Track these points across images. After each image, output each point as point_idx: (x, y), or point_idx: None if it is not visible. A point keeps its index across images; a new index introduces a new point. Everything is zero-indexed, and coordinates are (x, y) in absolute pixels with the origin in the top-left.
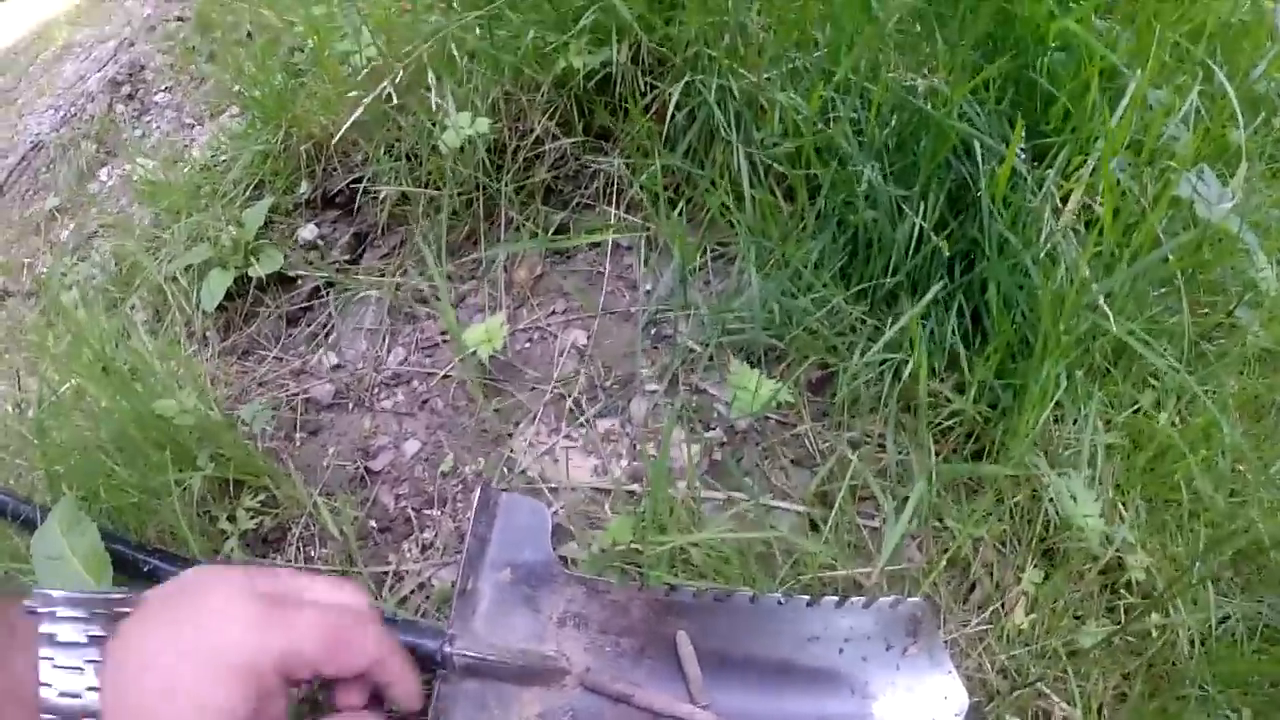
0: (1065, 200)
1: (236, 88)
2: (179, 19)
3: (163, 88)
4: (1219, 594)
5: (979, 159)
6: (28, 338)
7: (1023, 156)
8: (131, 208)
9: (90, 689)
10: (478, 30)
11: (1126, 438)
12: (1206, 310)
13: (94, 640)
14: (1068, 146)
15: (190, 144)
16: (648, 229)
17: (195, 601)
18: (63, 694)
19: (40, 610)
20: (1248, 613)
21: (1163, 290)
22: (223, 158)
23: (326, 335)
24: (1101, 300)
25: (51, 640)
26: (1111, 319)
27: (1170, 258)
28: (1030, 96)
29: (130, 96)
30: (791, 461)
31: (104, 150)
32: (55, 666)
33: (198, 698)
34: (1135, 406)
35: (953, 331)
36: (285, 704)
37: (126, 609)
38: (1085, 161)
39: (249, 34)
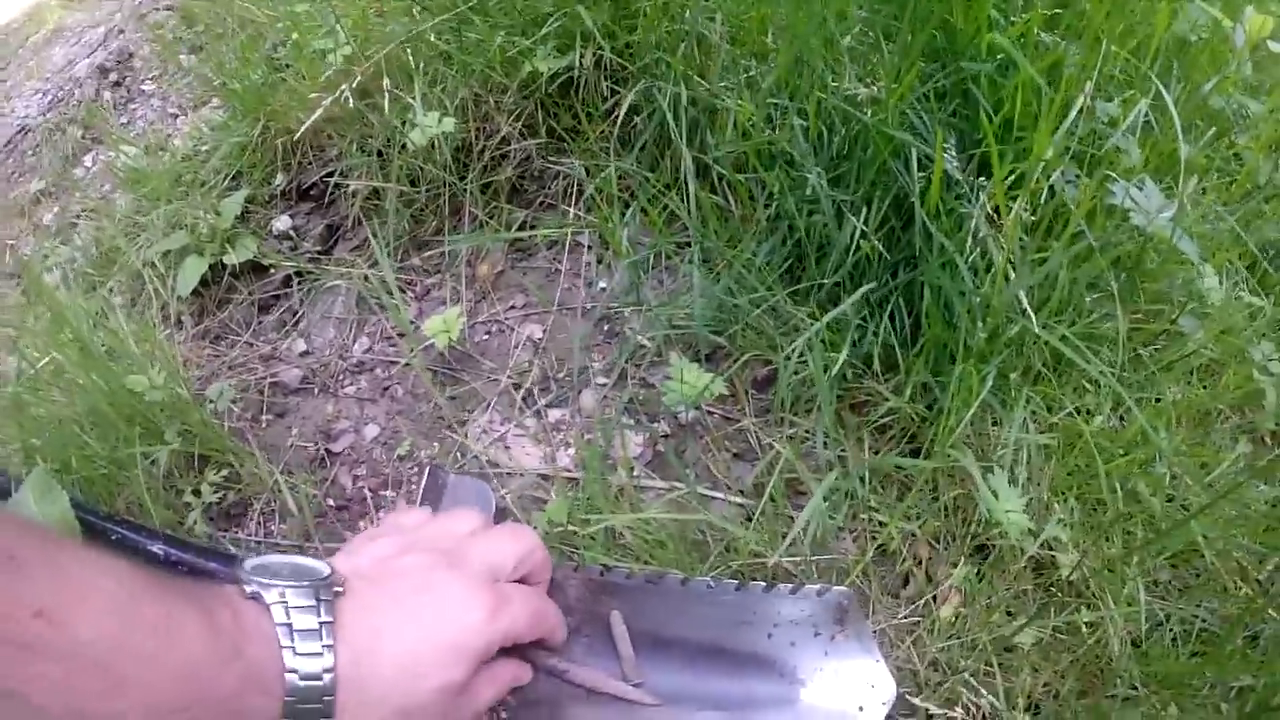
0: (1001, 211)
1: (218, 81)
2: (168, 8)
3: (149, 76)
4: (1157, 596)
5: (915, 167)
6: (7, 317)
7: (955, 163)
8: (114, 194)
9: (327, 670)
10: (446, 35)
11: (1061, 440)
12: (1150, 320)
13: (325, 625)
14: (1006, 157)
15: (173, 133)
16: (606, 225)
17: (434, 588)
18: (304, 677)
19: (269, 599)
20: (1185, 616)
21: (1099, 296)
22: (203, 148)
23: (296, 323)
24: (1023, 298)
25: (290, 629)
26: (1034, 319)
27: (1101, 260)
28: (975, 108)
29: (118, 84)
30: (733, 455)
31: (90, 136)
32: (297, 654)
33: (439, 678)
34: (1071, 409)
35: (891, 332)
36: None
37: (338, 588)
38: (1027, 171)
39: (233, 29)
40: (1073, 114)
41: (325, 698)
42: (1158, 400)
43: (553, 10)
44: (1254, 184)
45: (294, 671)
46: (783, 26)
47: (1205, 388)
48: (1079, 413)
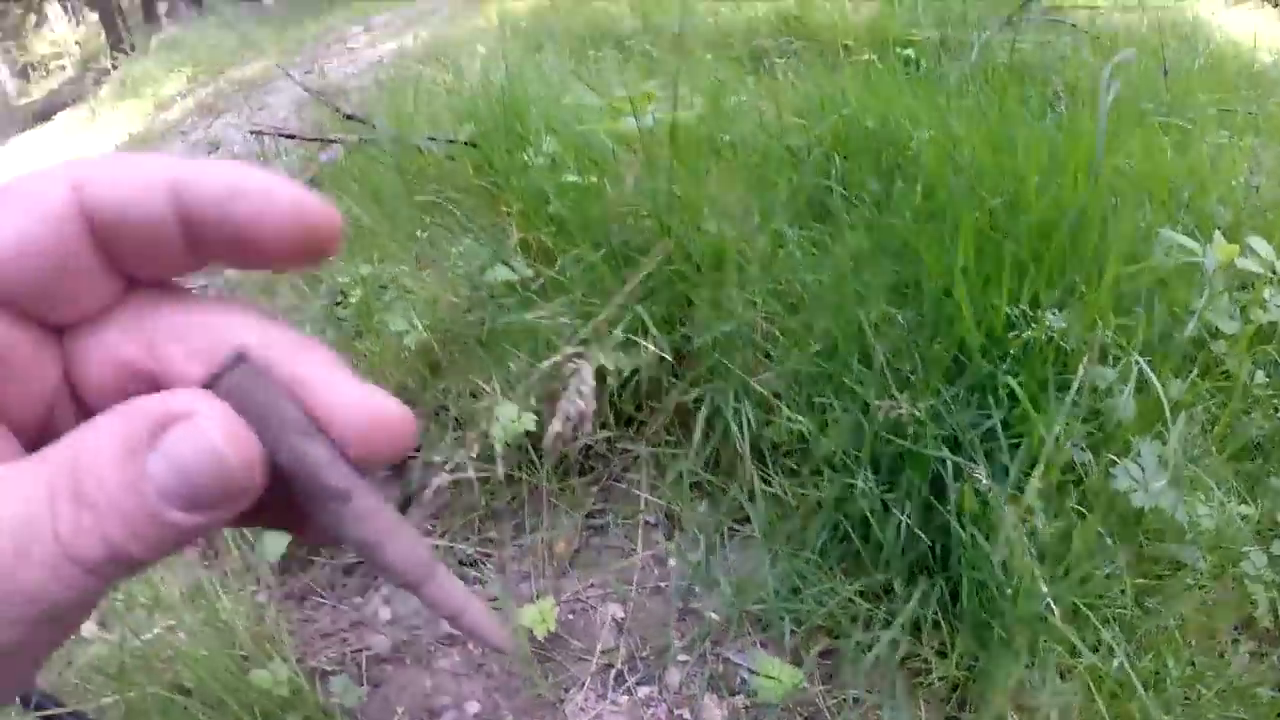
0: (1022, 490)
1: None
2: None
3: (192, 288)
4: None
5: (950, 477)
6: None
7: (983, 479)
8: None
9: None
10: (515, 331)
11: (1085, 684)
12: (1154, 558)
13: None
14: (1025, 440)
15: None
16: (673, 507)
17: None
18: None
19: None
20: None
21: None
22: None
23: (378, 588)
24: (1044, 590)
25: None
26: (1056, 613)
27: (1112, 543)
28: (995, 399)
29: None
30: (804, 718)
31: None
32: None
33: None
34: (1093, 651)
35: (935, 605)
36: None
37: None
38: (1043, 444)
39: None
40: (1073, 389)
41: None
42: (1163, 627)
43: (618, 310)
44: (1238, 387)
45: None
46: (826, 337)
47: (1205, 601)
48: (1096, 649)
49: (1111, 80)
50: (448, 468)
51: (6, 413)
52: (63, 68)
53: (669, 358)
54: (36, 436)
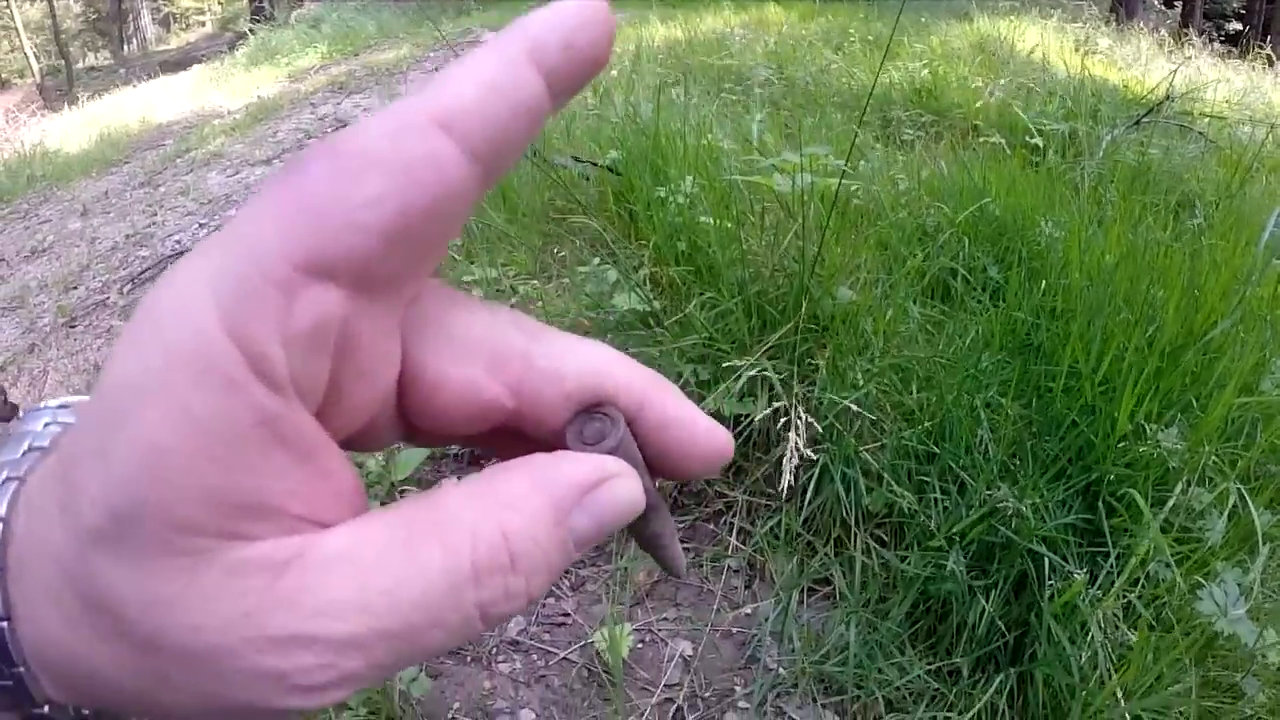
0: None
1: None
2: None
3: None
4: None
5: (1034, 573)
6: None
7: (1080, 573)
8: None
9: None
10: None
11: None
12: (1215, 682)
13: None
14: (1124, 549)
15: None
16: (757, 557)
17: None
18: None
19: None
20: None
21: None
22: None
23: None
24: (1121, 701)
25: None
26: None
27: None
28: (1103, 505)
29: None
30: None
31: None
32: None
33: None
34: None
35: (1004, 699)
36: None
37: None
38: (1132, 559)
39: None
40: (1170, 503)
41: None
42: None
43: (746, 366)
44: None
45: None
46: (936, 415)
47: None
48: None
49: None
50: None
51: (340, 415)
52: (202, 24)
53: (786, 414)
54: (349, 439)
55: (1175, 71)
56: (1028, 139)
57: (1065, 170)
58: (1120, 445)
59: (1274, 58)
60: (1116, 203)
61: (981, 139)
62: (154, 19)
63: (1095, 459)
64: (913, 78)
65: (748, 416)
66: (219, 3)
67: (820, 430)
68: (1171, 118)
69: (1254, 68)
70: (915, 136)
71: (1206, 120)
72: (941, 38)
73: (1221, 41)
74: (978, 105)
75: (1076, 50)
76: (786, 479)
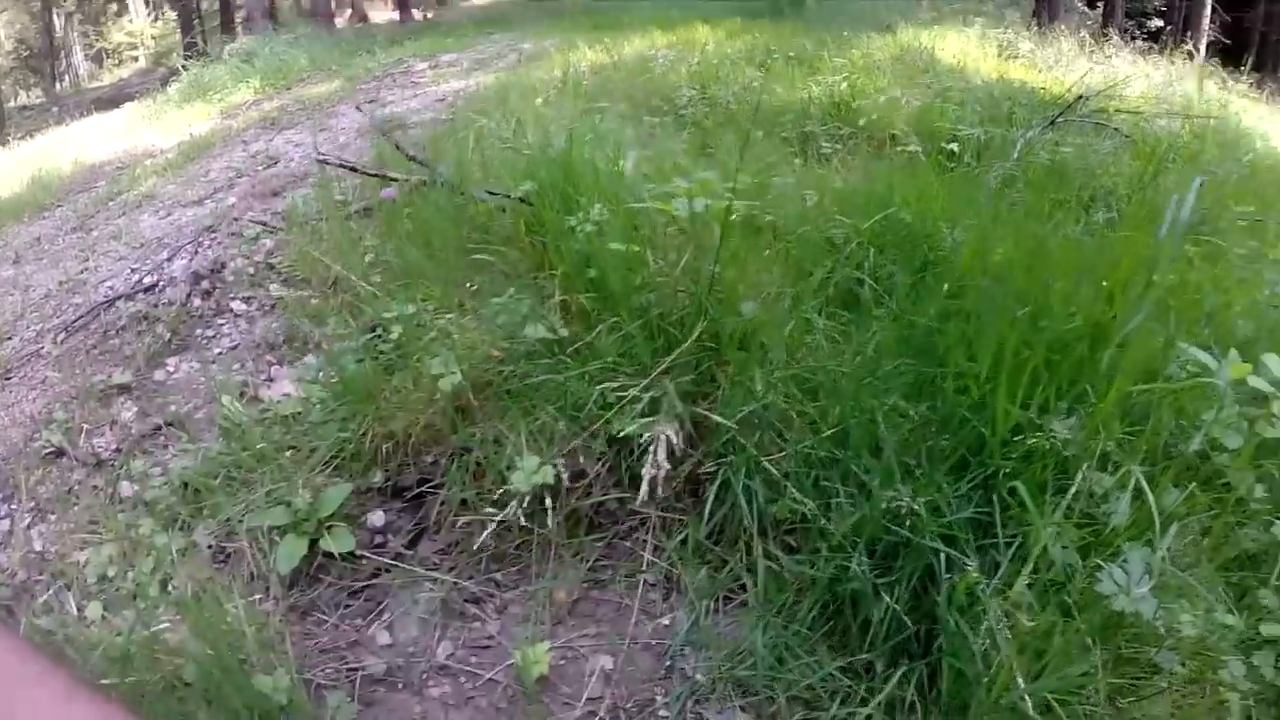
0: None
1: (333, 377)
2: (262, 225)
3: (241, 295)
4: None
5: (942, 568)
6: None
7: (974, 565)
8: (208, 435)
9: None
10: (544, 388)
11: None
12: (1133, 660)
13: None
14: (1019, 540)
15: (269, 382)
16: (672, 570)
17: None
18: None
19: None
20: None
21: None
22: (303, 427)
23: (380, 613)
24: (1020, 684)
25: None
26: (1029, 704)
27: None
28: (996, 498)
29: (208, 293)
30: None
31: (176, 340)
32: None
33: None
34: None
35: (914, 691)
36: None
37: None
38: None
39: (333, 284)
40: (1071, 491)
41: None
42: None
43: (642, 390)
44: (1236, 498)
45: None
46: (838, 423)
47: (1180, 706)
48: None
49: (1179, 201)
50: (463, 506)
51: None
52: (135, 59)
53: (689, 429)
54: None
55: (1089, 70)
56: (944, 145)
57: (980, 174)
58: (1016, 438)
59: (1194, 52)
60: (1023, 202)
61: (899, 148)
62: (86, 55)
63: (989, 453)
64: (832, 91)
65: (649, 436)
66: (152, 38)
67: (721, 443)
68: (1088, 116)
69: (1173, 63)
70: (833, 150)
71: (1123, 116)
72: (863, 50)
73: (1144, 39)
74: (896, 116)
75: (999, 55)
76: (644, 489)
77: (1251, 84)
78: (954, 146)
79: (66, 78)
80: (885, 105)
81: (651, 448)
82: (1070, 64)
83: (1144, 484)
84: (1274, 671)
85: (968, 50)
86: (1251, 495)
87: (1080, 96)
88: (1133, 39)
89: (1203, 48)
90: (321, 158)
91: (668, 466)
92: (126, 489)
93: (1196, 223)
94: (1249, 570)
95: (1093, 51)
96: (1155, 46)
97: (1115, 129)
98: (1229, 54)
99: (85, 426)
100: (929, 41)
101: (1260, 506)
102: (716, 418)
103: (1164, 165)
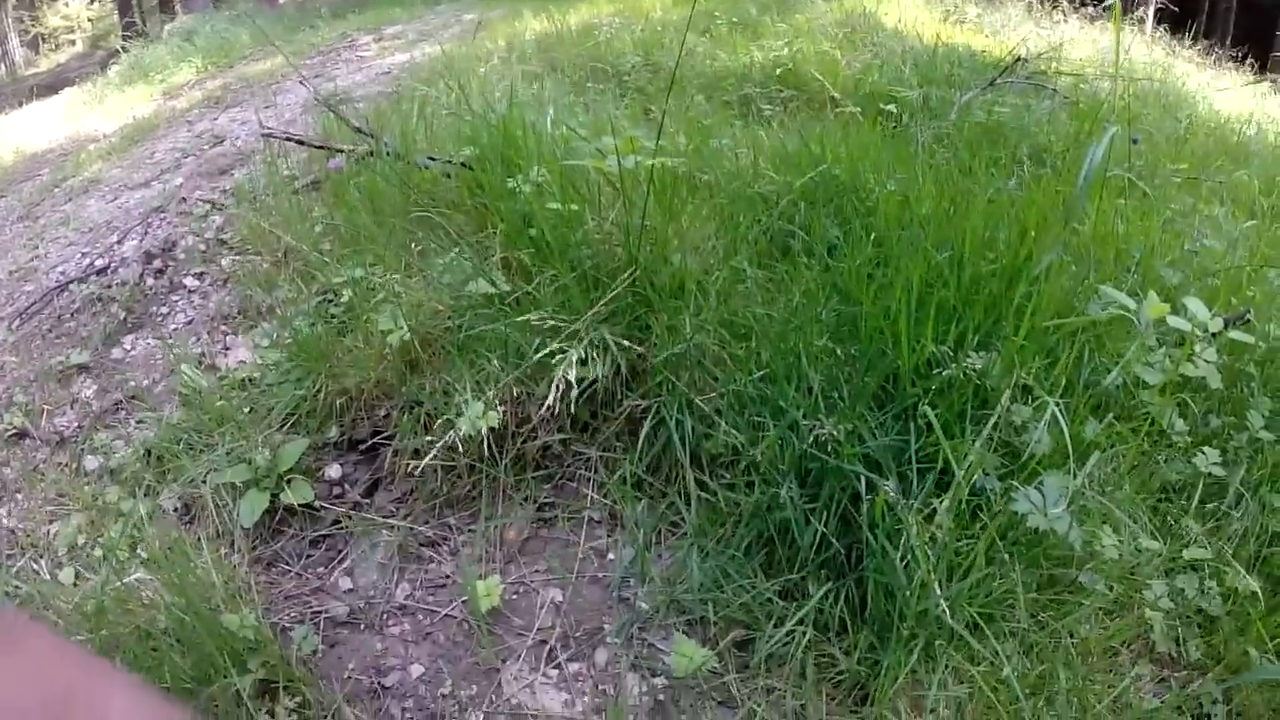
0: (933, 515)
1: (286, 337)
2: (208, 202)
3: (193, 272)
4: None
5: (865, 492)
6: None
7: (893, 494)
8: (168, 405)
9: None
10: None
11: (981, 686)
12: (1059, 580)
13: None
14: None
15: (225, 351)
16: (615, 506)
17: None
18: None
19: None
20: None
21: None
22: (260, 389)
23: (341, 560)
24: (939, 592)
25: None
26: (948, 613)
27: (1009, 560)
28: (915, 427)
29: (160, 272)
30: (719, 703)
31: (132, 318)
32: None
33: None
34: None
35: (844, 605)
36: None
37: None
38: (954, 469)
39: (284, 255)
40: (991, 421)
41: None
42: (1058, 642)
43: (573, 334)
44: (1158, 431)
45: None
46: (767, 364)
47: (1105, 625)
48: (994, 662)
49: (1094, 150)
50: (415, 455)
51: None
52: (73, 43)
53: (625, 372)
54: None
55: (1032, 34)
56: (882, 107)
57: (916, 133)
58: (936, 371)
59: (1144, 18)
60: (954, 159)
61: (838, 110)
62: (22, 41)
63: (904, 385)
64: (773, 56)
65: (593, 379)
66: (89, 20)
67: (656, 383)
68: (1029, 78)
69: (1123, 29)
70: (773, 112)
71: (1065, 78)
72: (807, 16)
73: (1095, 4)
74: (836, 78)
75: (945, 20)
76: (551, 398)
77: (1199, 50)
78: (892, 107)
79: (2, 66)
80: (825, 68)
81: (562, 369)
82: (1017, 28)
83: (1060, 414)
84: (1197, 593)
85: (913, 15)
86: (1172, 428)
87: (1019, 59)
88: (1083, 4)
89: (1150, 14)
90: (267, 132)
91: (571, 379)
92: (91, 462)
93: (1133, 178)
94: (1172, 501)
95: (1041, 17)
96: (1107, 12)
97: (1055, 90)
98: (1179, 22)
99: (46, 407)
100: (873, 6)
101: (1181, 440)
102: (649, 357)
103: (1102, 125)
